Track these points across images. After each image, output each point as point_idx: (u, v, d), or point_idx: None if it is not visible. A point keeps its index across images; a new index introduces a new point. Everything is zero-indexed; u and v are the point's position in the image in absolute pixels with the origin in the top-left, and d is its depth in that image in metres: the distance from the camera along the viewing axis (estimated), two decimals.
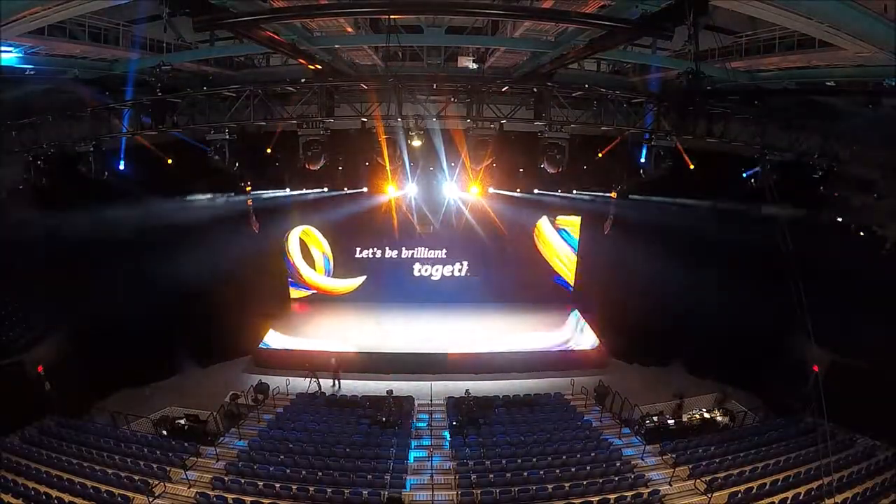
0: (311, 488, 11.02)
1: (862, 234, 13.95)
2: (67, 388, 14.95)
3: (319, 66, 11.22)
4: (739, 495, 10.90)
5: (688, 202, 17.06)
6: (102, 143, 12.36)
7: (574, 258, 22.42)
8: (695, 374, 18.71)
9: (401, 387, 16.78)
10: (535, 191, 19.53)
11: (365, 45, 10.58)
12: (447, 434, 14.29)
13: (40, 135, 12.02)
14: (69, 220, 14.03)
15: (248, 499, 10.72)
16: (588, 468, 11.97)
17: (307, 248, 22.27)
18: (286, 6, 7.93)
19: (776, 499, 10.79)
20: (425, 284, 22.58)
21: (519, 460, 12.48)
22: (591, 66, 13.28)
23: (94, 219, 14.01)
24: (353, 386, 17.33)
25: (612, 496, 10.90)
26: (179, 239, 16.46)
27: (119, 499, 10.39)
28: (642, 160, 13.07)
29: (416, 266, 22.65)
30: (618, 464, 12.40)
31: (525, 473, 11.85)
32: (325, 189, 19.65)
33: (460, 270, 22.67)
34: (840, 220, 14.41)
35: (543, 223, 22.30)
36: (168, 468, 11.69)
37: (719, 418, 15.09)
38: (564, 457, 12.56)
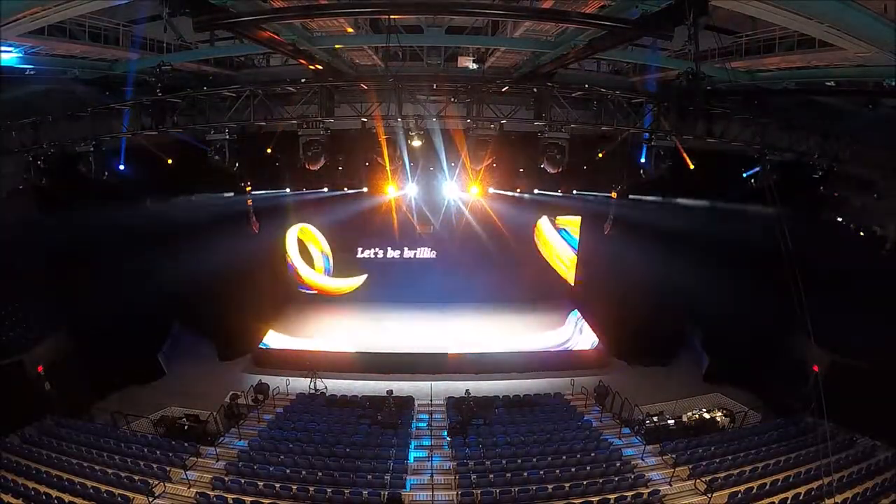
0: (311, 488, 11.01)
1: (862, 234, 13.96)
2: (67, 388, 14.97)
3: (319, 67, 11.22)
4: (739, 495, 10.89)
5: (688, 202, 17.07)
6: (102, 143, 12.38)
7: (574, 258, 22.42)
8: (695, 374, 18.71)
9: (401, 387, 16.78)
10: (535, 191, 19.54)
11: (365, 45, 10.58)
12: (447, 434, 14.29)
13: (40, 135, 12.03)
14: (69, 220, 14.04)
15: (248, 499, 10.71)
16: (588, 468, 11.97)
17: (305, 246, 22.27)
18: (286, 6, 7.93)
19: (776, 499, 10.78)
20: (425, 284, 22.57)
21: (519, 460, 12.48)
22: (591, 66, 13.28)
23: (94, 219, 14.01)
24: (353, 386, 17.34)
25: (612, 496, 10.89)
26: (179, 239, 16.45)
27: (119, 499, 10.38)
28: (642, 160, 13.09)
29: (416, 266, 22.66)
30: (618, 464, 12.40)
31: (525, 473, 11.84)
32: (325, 189, 19.65)
33: (459, 270, 22.67)
34: (840, 220, 14.42)
35: (543, 223, 22.34)
36: (168, 468, 11.68)
37: (719, 418, 15.08)
38: (564, 457, 12.55)
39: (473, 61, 12.08)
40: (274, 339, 19.56)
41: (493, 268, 22.35)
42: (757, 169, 12.52)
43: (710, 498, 11.02)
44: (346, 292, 22.87)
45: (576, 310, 21.98)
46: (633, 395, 15.85)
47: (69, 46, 9.51)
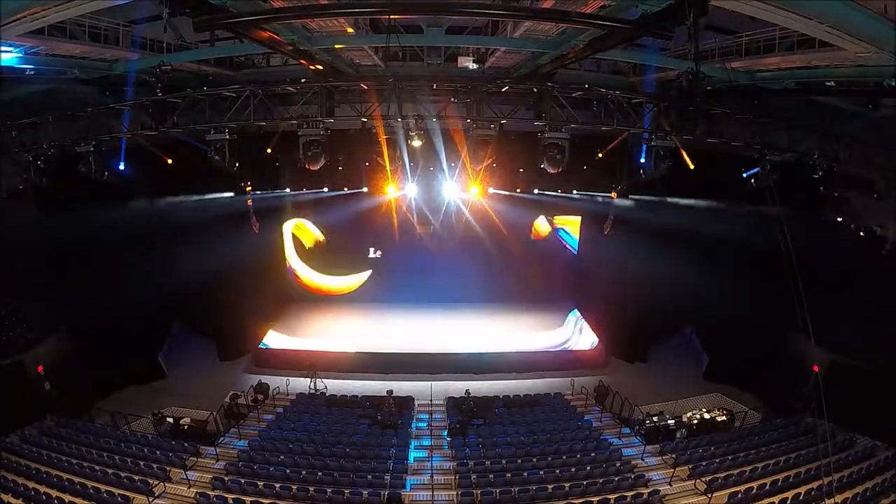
0: (311, 488, 11.01)
1: (862, 234, 13.96)
2: (67, 388, 14.97)
3: (319, 66, 11.22)
4: (739, 495, 10.89)
5: (688, 202, 17.07)
6: (102, 143, 12.38)
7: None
8: (695, 374, 18.71)
9: (401, 387, 16.77)
10: (535, 191, 19.54)
11: (365, 45, 10.57)
12: (447, 434, 14.29)
13: (40, 135, 12.04)
14: (69, 220, 14.04)
15: (248, 499, 10.71)
16: (588, 468, 11.96)
17: (300, 242, 22.28)
18: (286, 6, 7.92)
19: (776, 499, 10.78)
20: (425, 284, 22.57)
21: (519, 460, 12.48)
22: (590, 66, 13.28)
23: (94, 219, 14.02)
24: (353, 386, 17.34)
25: (612, 496, 10.89)
26: (179, 239, 16.45)
27: (119, 499, 10.38)
28: (642, 160, 13.08)
29: (416, 266, 22.65)
30: (618, 464, 12.39)
31: (525, 473, 11.84)
32: (326, 189, 19.66)
33: (459, 270, 22.67)
34: (840, 220, 14.42)
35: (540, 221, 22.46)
36: (168, 468, 11.68)
37: (719, 418, 15.08)
38: (564, 457, 12.55)
39: (473, 61, 12.08)
40: (274, 339, 19.56)
41: (493, 268, 22.37)
42: (757, 169, 12.51)
43: (709, 498, 11.03)
44: (347, 292, 22.88)
45: (575, 309, 22.00)
46: (633, 395, 15.85)
47: (69, 46, 9.51)
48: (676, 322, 19.91)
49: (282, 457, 12.37)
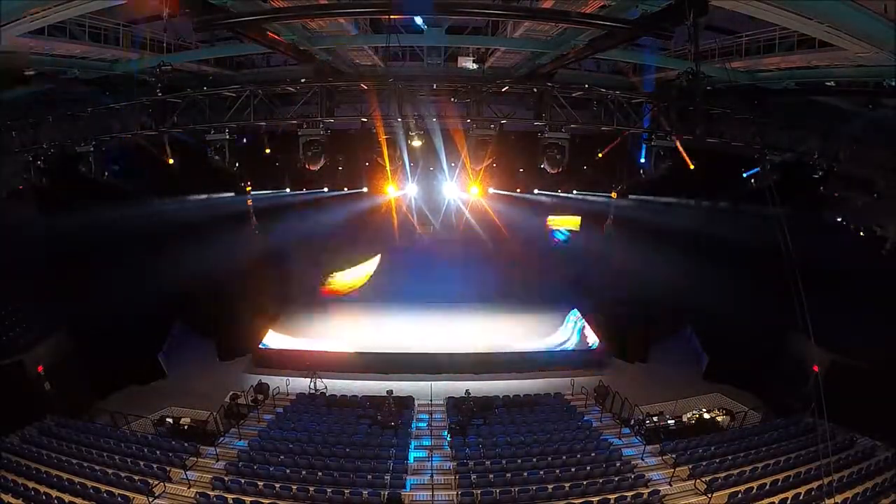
0: (311, 488, 11.01)
1: (862, 234, 13.95)
2: (67, 388, 14.97)
3: (320, 67, 11.22)
4: (739, 495, 10.88)
5: (688, 202, 17.07)
6: (102, 143, 12.37)
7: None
8: (695, 374, 18.71)
9: (401, 387, 16.77)
10: (535, 191, 19.54)
11: (365, 45, 10.57)
12: (447, 434, 14.29)
13: (40, 135, 12.02)
14: (69, 220, 14.04)
15: (248, 499, 10.71)
16: (588, 468, 11.96)
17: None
18: (286, 6, 7.92)
19: (776, 499, 10.78)
20: (426, 284, 22.57)
21: (519, 460, 12.48)
22: (590, 66, 13.27)
23: (94, 219, 14.02)
24: (353, 386, 17.33)
25: (612, 496, 10.89)
26: (179, 239, 16.46)
27: (119, 499, 10.37)
28: (642, 160, 13.09)
29: (417, 266, 22.65)
30: (618, 464, 12.39)
31: (525, 474, 11.84)
32: (326, 189, 19.66)
33: (459, 271, 22.68)
34: (840, 220, 14.41)
35: None
36: (168, 468, 11.68)
37: (719, 418, 15.08)
38: (564, 457, 12.55)
39: (473, 61, 12.08)
40: (274, 339, 19.56)
41: (493, 268, 22.38)
42: (757, 169, 12.52)
43: (709, 498, 11.02)
44: (362, 283, 23.02)
45: (576, 309, 21.99)
46: (632, 396, 15.85)
47: (69, 46, 9.49)
48: (676, 322, 19.93)
49: (282, 457, 12.37)
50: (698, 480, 11.61)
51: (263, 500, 10.73)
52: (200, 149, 12.37)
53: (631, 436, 14.36)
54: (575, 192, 19.47)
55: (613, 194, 18.65)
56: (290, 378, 17.23)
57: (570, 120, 11.82)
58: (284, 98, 12.17)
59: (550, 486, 11.18)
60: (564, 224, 22.17)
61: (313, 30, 9.46)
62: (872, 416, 12.57)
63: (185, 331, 19.41)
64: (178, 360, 18.64)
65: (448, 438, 14.06)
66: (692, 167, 12.22)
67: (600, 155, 14.89)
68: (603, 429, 14.69)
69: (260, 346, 19.21)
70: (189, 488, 11.20)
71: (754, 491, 10.98)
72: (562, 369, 18.56)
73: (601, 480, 11.44)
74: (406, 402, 15.92)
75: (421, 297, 22.24)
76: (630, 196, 18.43)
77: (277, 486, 11.11)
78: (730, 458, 12.33)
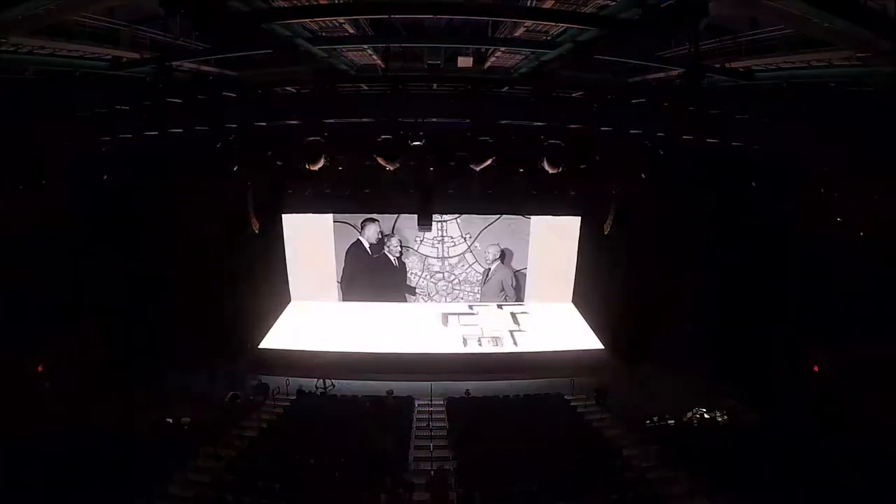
0: (311, 489, 11.01)
1: (862, 233, 13.97)
2: (67, 388, 14.96)
3: (320, 67, 11.22)
4: (740, 496, 10.87)
5: (688, 202, 17.06)
6: (102, 144, 12.36)
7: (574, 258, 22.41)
8: (696, 374, 18.70)
9: (401, 387, 16.78)
10: (534, 191, 19.51)
11: (365, 45, 10.57)
12: (447, 434, 14.29)
13: (40, 135, 12.01)
14: (69, 220, 14.05)
15: (247, 499, 10.71)
16: (588, 468, 11.96)
17: None
18: (286, 6, 7.92)
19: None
20: (426, 285, 22.58)
21: (519, 461, 12.45)
22: (591, 67, 13.25)
23: (94, 218, 14.03)
24: (353, 386, 17.33)
25: (613, 496, 10.89)
26: (179, 239, 16.46)
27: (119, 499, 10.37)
28: (642, 160, 13.09)
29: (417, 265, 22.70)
30: (618, 464, 12.39)
31: (525, 474, 11.81)
32: (326, 189, 19.63)
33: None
34: (840, 219, 14.42)
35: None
36: (168, 468, 11.68)
37: (720, 418, 15.09)
38: (565, 457, 12.54)
39: (473, 61, 12.07)
40: (274, 340, 19.55)
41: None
42: (756, 170, 12.53)
43: (710, 498, 11.02)
44: None
45: (576, 309, 21.99)
46: (633, 395, 15.85)
47: (69, 46, 9.49)
48: (677, 321, 19.90)
49: (281, 457, 12.36)
50: (699, 481, 11.61)
51: (263, 501, 10.73)
52: (201, 149, 12.39)
53: (631, 435, 14.35)
54: (574, 192, 19.45)
55: (613, 194, 18.57)
56: (289, 378, 17.22)
57: (570, 120, 11.82)
58: (285, 98, 12.16)
59: (550, 487, 11.17)
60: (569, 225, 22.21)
61: (313, 30, 9.47)
62: (873, 415, 12.57)
63: (184, 331, 19.39)
64: (177, 361, 18.63)
65: (448, 438, 14.05)
66: (692, 167, 12.17)
67: (599, 155, 14.87)
68: (603, 429, 14.69)
69: (260, 346, 19.20)
70: (189, 488, 11.20)
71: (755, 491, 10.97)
72: (562, 369, 18.56)
73: (601, 480, 11.44)
74: (406, 402, 15.92)
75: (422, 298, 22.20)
76: (630, 196, 18.38)
77: (277, 486, 11.10)
78: (730, 458, 12.33)
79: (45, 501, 10.27)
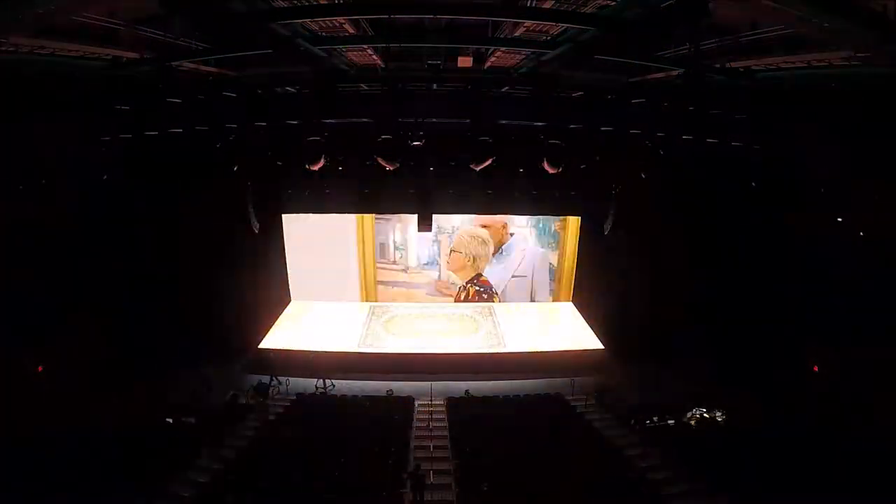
0: (311, 488, 11.01)
1: (862, 233, 13.98)
2: (67, 388, 14.95)
3: (320, 67, 11.22)
4: (741, 496, 10.88)
5: (688, 202, 17.06)
6: (102, 144, 12.36)
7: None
8: (696, 373, 18.70)
9: (401, 387, 16.78)
10: (535, 191, 19.53)
11: (365, 45, 10.57)
12: (447, 434, 14.29)
13: (39, 135, 12.01)
14: (69, 220, 14.05)
15: (248, 499, 10.71)
16: (588, 469, 11.96)
17: None
18: (286, 6, 7.93)
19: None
20: (426, 284, 22.58)
21: (519, 460, 12.46)
22: (591, 67, 13.25)
23: (94, 218, 14.03)
24: (353, 386, 17.33)
25: (613, 496, 10.89)
26: (179, 238, 16.46)
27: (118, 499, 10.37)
28: (642, 160, 13.10)
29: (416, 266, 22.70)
30: (618, 464, 12.39)
31: (525, 474, 11.81)
32: (326, 189, 19.66)
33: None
34: (840, 220, 14.44)
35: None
36: (168, 468, 11.68)
37: (719, 418, 15.09)
38: (564, 457, 12.54)
39: (473, 61, 12.07)
40: (274, 339, 19.55)
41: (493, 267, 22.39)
42: (757, 170, 12.53)
43: (711, 498, 11.02)
44: None
45: (576, 309, 21.99)
46: (633, 395, 15.85)
47: (69, 46, 9.49)
48: (677, 321, 19.89)
49: (282, 457, 12.37)
50: (699, 480, 11.62)
51: (263, 501, 10.73)
52: (200, 149, 12.39)
53: (631, 436, 14.36)
54: (574, 192, 19.45)
55: (613, 194, 18.60)
56: (289, 378, 17.21)
57: (570, 120, 11.82)
58: (285, 98, 12.16)
59: (550, 487, 11.17)
60: (568, 225, 22.21)
61: (313, 30, 9.47)
62: (873, 415, 12.57)
63: (184, 331, 19.39)
64: (177, 360, 18.61)
65: (448, 438, 14.05)
66: (692, 167, 12.14)
67: (600, 156, 14.89)
68: (603, 429, 14.69)
69: (260, 346, 19.20)
70: (189, 488, 11.20)
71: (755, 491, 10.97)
72: (562, 369, 18.56)
73: (601, 481, 11.44)
74: (406, 402, 15.92)
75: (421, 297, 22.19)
76: (630, 196, 18.42)
77: (277, 486, 11.10)
78: (730, 458, 12.33)
79: (45, 501, 10.28)
